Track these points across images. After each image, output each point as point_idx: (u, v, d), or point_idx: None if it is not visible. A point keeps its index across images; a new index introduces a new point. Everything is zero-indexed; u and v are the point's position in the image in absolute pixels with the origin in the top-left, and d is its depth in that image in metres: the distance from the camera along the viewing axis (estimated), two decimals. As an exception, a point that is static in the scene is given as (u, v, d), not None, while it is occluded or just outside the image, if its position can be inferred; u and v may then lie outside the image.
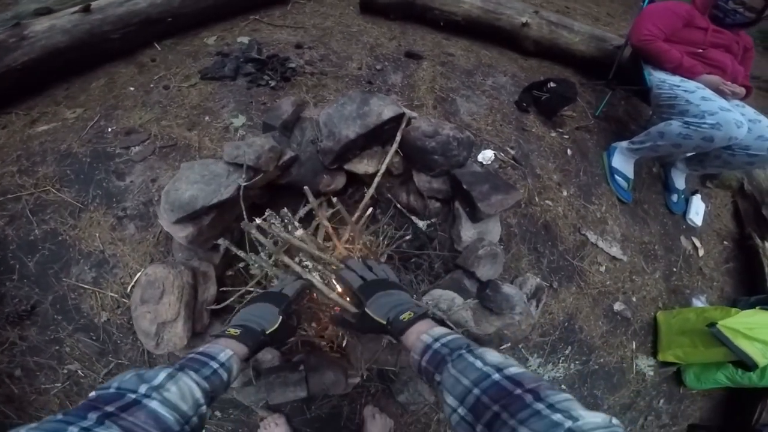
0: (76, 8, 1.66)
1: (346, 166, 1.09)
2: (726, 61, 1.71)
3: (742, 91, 1.66)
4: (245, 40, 1.85)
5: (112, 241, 1.27)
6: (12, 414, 1.19)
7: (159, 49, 1.84)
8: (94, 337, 1.21)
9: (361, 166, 1.09)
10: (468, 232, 1.07)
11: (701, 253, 1.87)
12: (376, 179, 1.02)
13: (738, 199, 2.14)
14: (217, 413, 1.22)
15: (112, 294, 1.22)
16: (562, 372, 1.43)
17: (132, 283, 1.22)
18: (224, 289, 1.04)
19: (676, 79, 1.67)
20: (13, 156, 1.42)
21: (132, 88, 1.65)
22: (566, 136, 1.87)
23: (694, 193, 2.01)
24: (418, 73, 1.84)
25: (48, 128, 1.52)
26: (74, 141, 1.45)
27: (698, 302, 1.74)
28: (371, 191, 1.00)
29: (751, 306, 1.42)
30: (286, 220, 0.92)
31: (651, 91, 1.74)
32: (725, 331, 1.24)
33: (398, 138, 1.05)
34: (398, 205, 1.21)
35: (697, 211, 1.95)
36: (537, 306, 1.13)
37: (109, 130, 1.48)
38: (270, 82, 1.58)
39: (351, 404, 1.21)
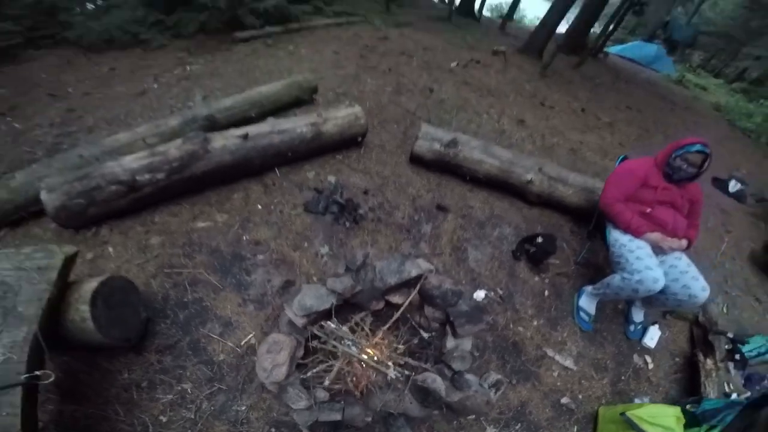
0: (239, 133, 2.54)
1: (386, 297, 1.90)
2: (668, 218, 2.21)
3: (680, 244, 2.19)
4: (332, 179, 2.81)
5: (237, 313, 2.05)
6: (121, 413, 1.69)
7: (278, 174, 2.79)
8: (208, 369, 1.84)
9: (395, 298, 1.90)
10: (450, 343, 1.84)
11: (651, 367, 2.41)
12: (402, 307, 1.83)
13: (693, 327, 2.70)
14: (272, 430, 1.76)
15: (230, 344, 1.95)
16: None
17: (246, 340, 1.95)
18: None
19: (625, 239, 2.22)
20: (180, 242, 2.29)
21: (260, 206, 2.55)
22: (546, 281, 2.60)
23: (654, 323, 2.59)
24: (443, 225, 2.70)
25: (204, 226, 2.40)
26: (221, 241, 2.33)
27: (639, 401, 2.20)
28: (398, 314, 1.81)
29: (683, 405, 1.88)
30: (347, 326, 1.73)
31: (608, 248, 2.34)
32: (634, 419, 1.79)
33: (418, 287, 1.86)
34: (413, 323, 2.00)
35: (652, 337, 2.52)
36: (496, 392, 1.81)
37: (244, 238, 2.36)
38: (346, 223, 2.50)
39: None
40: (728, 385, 2.28)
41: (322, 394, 1.70)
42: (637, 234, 2.22)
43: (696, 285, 2.12)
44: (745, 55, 16.54)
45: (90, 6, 6.37)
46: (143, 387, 1.79)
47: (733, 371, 2.38)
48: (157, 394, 1.78)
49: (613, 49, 12.92)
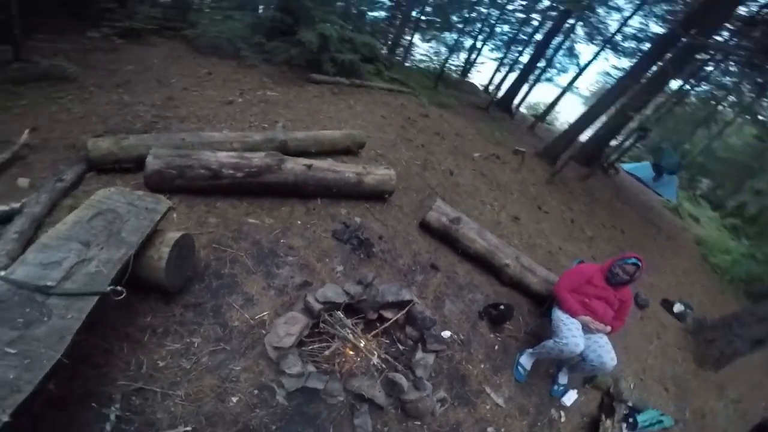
0: (306, 162, 3.41)
1: (381, 311, 2.66)
2: (600, 309, 3.02)
3: (604, 328, 2.97)
4: (358, 220, 3.66)
5: (260, 294, 2.67)
6: (125, 350, 1.95)
7: (319, 203, 3.62)
8: (221, 330, 2.24)
9: (388, 313, 2.68)
10: (419, 355, 2.61)
11: (563, 420, 3.06)
12: (392, 320, 2.60)
13: (603, 396, 3.45)
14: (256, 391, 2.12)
15: (247, 315, 2.39)
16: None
17: (260, 316, 2.51)
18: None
19: (564, 316, 3.01)
20: (232, 228, 2.98)
21: (299, 222, 3.36)
22: (499, 339, 3.36)
23: (574, 388, 3.29)
24: (432, 279, 3.52)
25: (254, 222, 3.13)
26: (263, 237, 3.06)
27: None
28: (388, 323, 2.60)
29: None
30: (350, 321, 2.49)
31: (551, 321, 3.11)
32: None
33: (406, 309, 2.63)
34: (394, 337, 2.75)
35: (570, 398, 3.21)
36: (440, 406, 2.51)
37: (282, 241, 3.11)
38: (361, 254, 3.33)
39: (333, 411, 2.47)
40: (619, 442, 2.97)
41: (312, 369, 2.36)
42: (573, 314, 3.02)
43: (607, 356, 2.91)
44: (748, 188, 15.59)
45: (209, 11, 7.63)
46: (157, 332, 2.11)
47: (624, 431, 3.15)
48: (166, 341, 2.08)
49: (626, 166, 13.83)
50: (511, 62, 14.34)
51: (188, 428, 1.86)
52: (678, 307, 5.66)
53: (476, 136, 7.77)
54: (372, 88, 7.95)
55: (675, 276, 7.05)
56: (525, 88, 13.86)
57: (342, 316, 2.51)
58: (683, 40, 7.02)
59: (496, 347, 3.27)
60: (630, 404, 3.36)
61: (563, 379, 3.29)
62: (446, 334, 3.05)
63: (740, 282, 8.46)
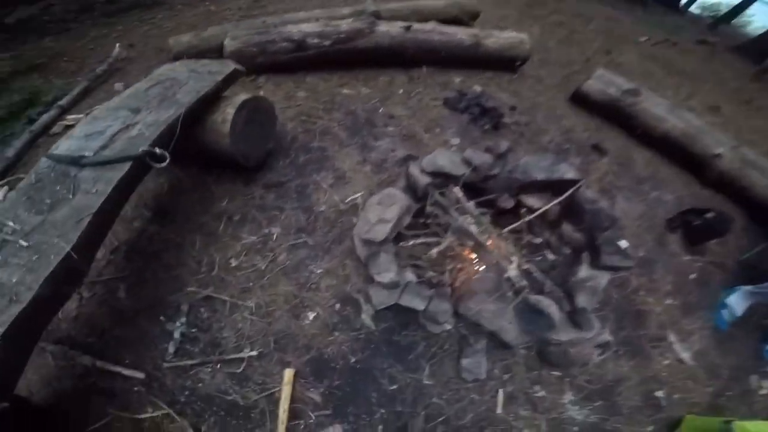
0: (404, 24, 2.66)
1: (521, 196, 1.66)
2: None
3: None
4: (478, 88, 2.64)
5: (354, 170, 2.06)
6: (197, 245, 1.72)
7: (424, 71, 2.76)
8: (304, 218, 1.86)
9: (531, 200, 1.67)
10: (584, 272, 1.56)
11: (764, 391, 1.95)
12: (541, 210, 1.58)
13: None
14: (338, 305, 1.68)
15: (337, 197, 1.94)
16: (580, 415, 1.66)
17: (352, 197, 1.91)
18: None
19: None
20: (323, 99, 2.43)
21: (401, 91, 2.58)
22: (698, 264, 2.16)
23: None
24: (595, 165, 2.38)
25: (348, 92, 2.53)
26: (359, 107, 2.40)
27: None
28: (533, 215, 1.57)
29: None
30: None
31: None
32: (738, 429, 1.43)
33: (567, 194, 1.58)
34: (542, 240, 1.73)
35: None
36: (598, 354, 1.50)
37: (381, 110, 2.40)
38: (485, 126, 2.34)
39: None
40: None
41: (412, 277, 1.54)
42: None
43: None
44: None
45: None
46: (233, 220, 1.81)
47: None
48: (242, 232, 1.78)
49: None
50: None
51: (254, 352, 1.51)
52: None
53: (636, 24, 5.81)
54: None
55: None
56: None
57: (461, 194, 1.58)
58: None
59: (692, 276, 2.14)
60: None
61: None
62: (623, 244, 1.94)
63: None
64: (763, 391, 1.99)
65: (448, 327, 1.53)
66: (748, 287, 2.04)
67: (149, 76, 1.85)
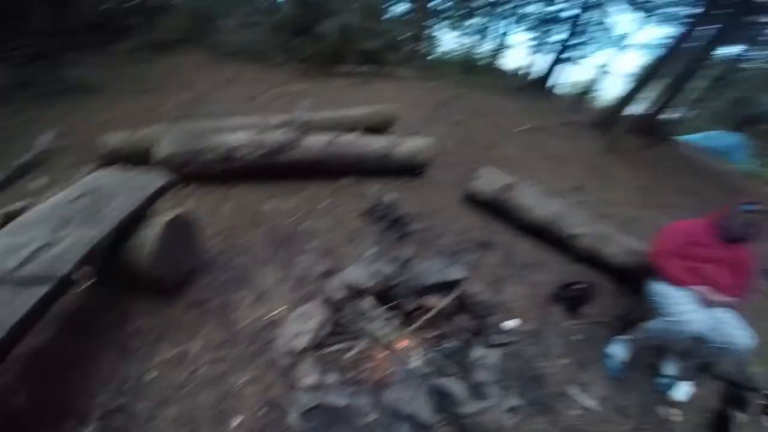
0: (327, 137, 3.07)
1: (422, 298, 2.07)
2: (714, 275, 2.30)
3: (725, 299, 2.23)
4: (392, 196, 3.13)
5: (275, 287, 2.23)
6: (113, 361, 1.72)
7: (346, 182, 3.22)
8: (225, 333, 1.91)
9: (431, 300, 2.07)
10: (478, 353, 1.98)
11: (678, 419, 2.30)
12: (438, 307, 1.97)
13: (727, 386, 2.52)
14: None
15: (258, 313, 2.05)
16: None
17: (273, 313, 2.04)
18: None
19: (670, 288, 2.32)
20: (248, 215, 2.68)
21: (324, 204, 2.98)
22: (581, 326, 2.62)
23: (685, 379, 2.45)
24: (485, 259, 2.88)
25: (274, 206, 2.85)
26: (283, 221, 2.71)
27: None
28: (433, 312, 1.96)
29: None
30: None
31: (650, 298, 2.42)
32: None
33: (456, 293, 2.00)
34: (441, 332, 2.11)
35: (682, 391, 2.40)
36: (511, 417, 1.85)
37: (304, 224, 2.74)
38: (395, 234, 2.80)
39: None
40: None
41: (332, 378, 1.79)
42: (681, 285, 2.32)
43: (740, 333, 2.12)
44: None
45: (231, 19, 7.60)
46: (150, 337, 1.85)
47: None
48: (160, 347, 1.82)
49: (690, 137, 12.46)
50: (545, 42, 13.22)
51: (176, 460, 1.54)
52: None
53: (517, 113, 6.99)
54: (402, 77, 7.65)
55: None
56: (561, 67, 12.81)
57: (369, 305, 1.94)
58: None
59: (579, 337, 2.58)
60: (766, 392, 2.46)
61: (670, 369, 2.50)
62: (512, 323, 2.39)
63: None
64: (675, 418, 2.32)
65: (373, 416, 1.76)
66: (625, 336, 2.50)
67: (77, 183, 1.89)
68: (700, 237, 2.39)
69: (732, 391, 2.53)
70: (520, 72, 14.27)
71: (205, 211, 2.60)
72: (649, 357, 2.56)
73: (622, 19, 13.17)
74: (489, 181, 3.26)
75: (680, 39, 7.31)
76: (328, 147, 3.00)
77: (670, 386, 2.46)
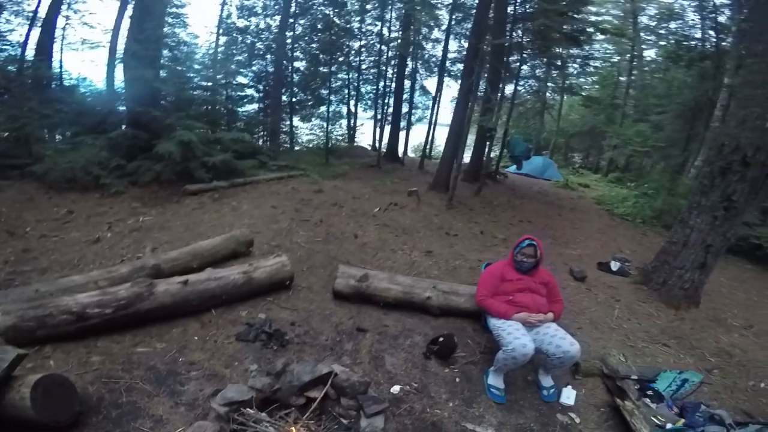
0: (180, 280, 3.18)
1: (305, 393, 2.35)
2: (528, 301, 2.89)
3: (546, 317, 2.83)
4: (263, 316, 3.40)
5: (169, 413, 2.33)
6: None
7: (214, 314, 3.34)
8: None
9: (313, 393, 2.35)
10: (363, 423, 2.27)
11: (578, 421, 2.69)
12: (318, 399, 2.29)
13: (603, 380, 3.12)
14: None
15: None
16: None
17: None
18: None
19: (499, 322, 2.86)
20: (120, 360, 2.68)
21: (196, 338, 3.05)
22: (456, 370, 3.10)
23: (566, 384, 2.98)
24: (363, 342, 3.27)
25: (144, 350, 2.84)
26: (158, 361, 2.74)
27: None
28: (315, 404, 2.27)
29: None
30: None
31: (490, 332, 2.96)
32: None
33: (329, 383, 2.36)
34: (334, 413, 2.40)
35: (568, 396, 2.86)
36: None
37: (180, 360, 2.79)
38: (274, 347, 3.03)
39: None
40: (657, 418, 2.57)
41: None
42: (507, 317, 2.88)
43: (564, 343, 2.70)
44: (606, 147, 18.85)
45: (55, 141, 6.88)
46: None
47: (653, 405, 2.73)
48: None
49: (510, 169, 15.44)
50: (384, 115, 15.54)
51: None
52: (615, 265, 5.67)
53: (372, 194, 7.95)
54: (258, 182, 7.75)
55: (595, 239, 7.33)
56: (403, 134, 15.20)
57: (253, 412, 2.15)
58: (486, 47, 8.13)
59: (457, 380, 3.01)
60: (635, 377, 2.97)
61: (546, 380, 2.98)
62: (395, 389, 2.78)
63: (651, 219, 9.11)
64: (578, 421, 2.66)
65: None
66: (492, 367, 2.93)
67: None
68: (507, 274, 3.09)
69: (609, 384, 3.03)
70: (373, 146, 16.26)
71: (74, 365, 2.57)
72: (528, 375, 3.09)
73: (431, 83, 16.71)
74: (347, 276, 3.78)
75: (463, 89, 8.80)
76: (184, 289, 3.15)
77: (555, 395, 2.95)
